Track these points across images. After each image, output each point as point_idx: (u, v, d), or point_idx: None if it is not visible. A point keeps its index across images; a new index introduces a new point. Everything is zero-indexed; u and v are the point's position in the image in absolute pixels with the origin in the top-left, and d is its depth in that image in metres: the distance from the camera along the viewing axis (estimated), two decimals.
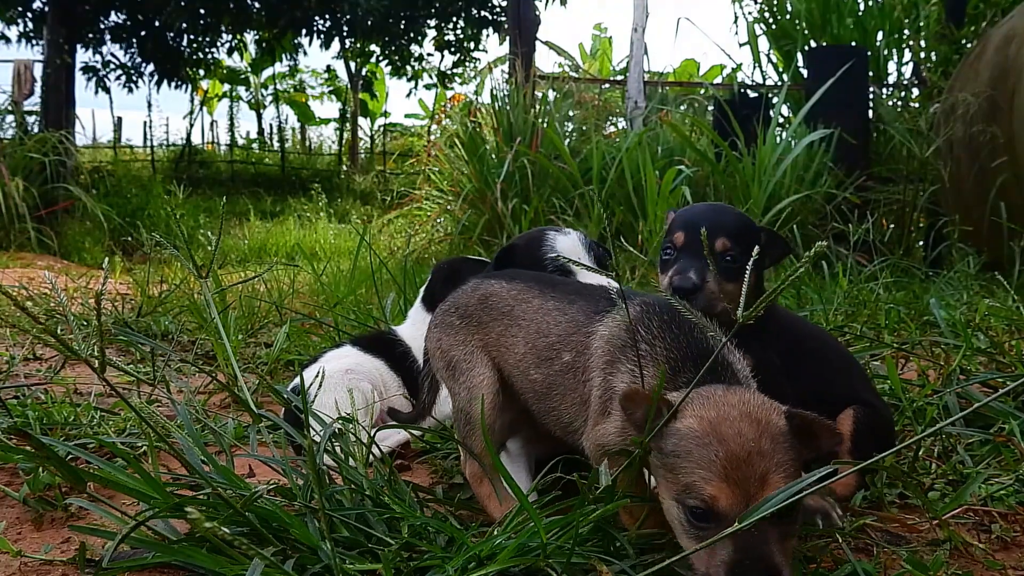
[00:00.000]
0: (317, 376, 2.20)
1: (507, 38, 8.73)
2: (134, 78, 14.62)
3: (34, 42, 13.32)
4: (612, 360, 1.46)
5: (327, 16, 14.60)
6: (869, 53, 7.37)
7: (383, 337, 2.65)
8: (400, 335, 2.61)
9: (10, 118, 10.67)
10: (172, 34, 14.21)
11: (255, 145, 20.26)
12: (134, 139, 21.30)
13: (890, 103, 7.65)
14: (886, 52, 7.91)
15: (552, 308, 1.64)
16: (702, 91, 8.39)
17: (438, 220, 7.56)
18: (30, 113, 11.40)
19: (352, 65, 19.22)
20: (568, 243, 2.24)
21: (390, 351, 2.53)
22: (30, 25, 13.23)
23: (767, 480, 1.20)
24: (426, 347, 1.85)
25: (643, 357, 1.41)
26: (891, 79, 8.08)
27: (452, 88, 16.82)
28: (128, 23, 13.99)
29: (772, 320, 1.82)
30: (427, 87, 18.21)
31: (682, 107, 8.17)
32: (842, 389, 1.89)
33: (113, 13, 13.86)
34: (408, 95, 43.45)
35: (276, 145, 19.88)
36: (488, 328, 1.71)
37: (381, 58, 16.75)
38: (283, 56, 16.91)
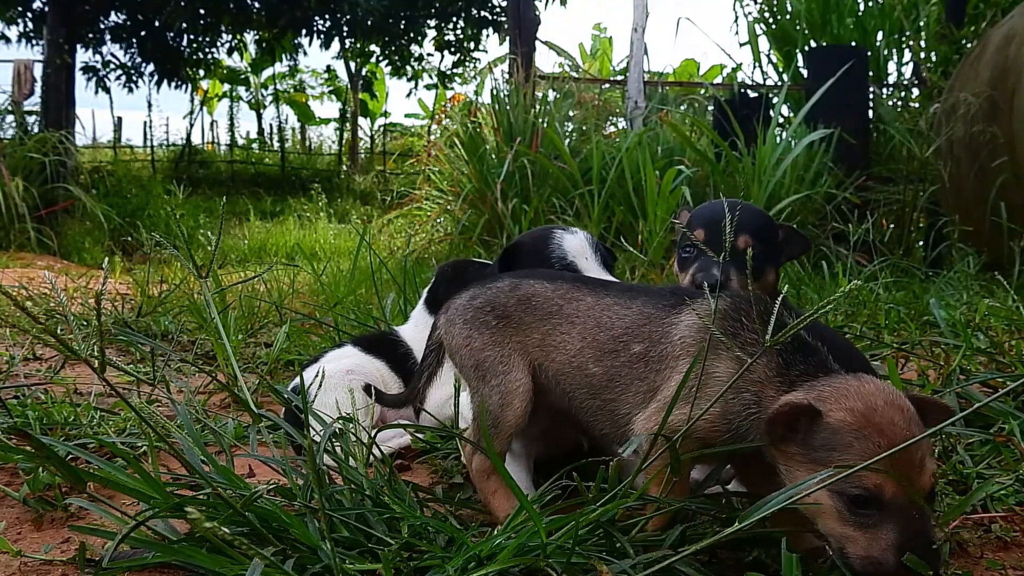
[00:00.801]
0: (317, 376, 2.20)
1: (507, 38, 8.74)
2: (134, 78, 14.62)
3: (34, 42, 13.32)
4: (709, 347, 1.48)
5: (327, 16, 14.60)
6: (869, 53, 7.38)
7: (385, 337, 2.65)
8: (402, 336, 2.60)
9: (10, 118, 10.67)
10: (172, 34, 14.21)
11: (255, 145, 20.26)
12: (134, 139, 21.28)
13: (890, 103, 7.65)
14: (886, 52, 7.92)
15: (612, 303, 1.65)
16: (702, 91, 8.39)
17: (438, 220, 7.56)
18: (30, 113, 11.40)
19: (352, 65, 19.23)
20: (576, 242, 2.23)
21: (392, 352, 2.53)
22: (30, 25, 13.23)
23: (924, 465, 1.29)
24: (449, 343, 1.77)
25: (752, 345, 1.44)
26: (891, 79, 8.08)
27: (452, 88, 16.84)
28: (128, 23, 13.99)
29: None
30: (427, 87, 18.21)
31: (682, 107, 8.17)
32: None
33: (113, 13, 13.86)
34: (408, 95, 43.44)
35: (276, 145, 19.88)
36: (530, 329, 1.68)
37: (381, 58, 16.75)
38: (283, 56, 16.90)
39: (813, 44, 8.09)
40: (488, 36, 15.88)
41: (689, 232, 1.94)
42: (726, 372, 1.45)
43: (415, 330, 2.58)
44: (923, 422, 1.33)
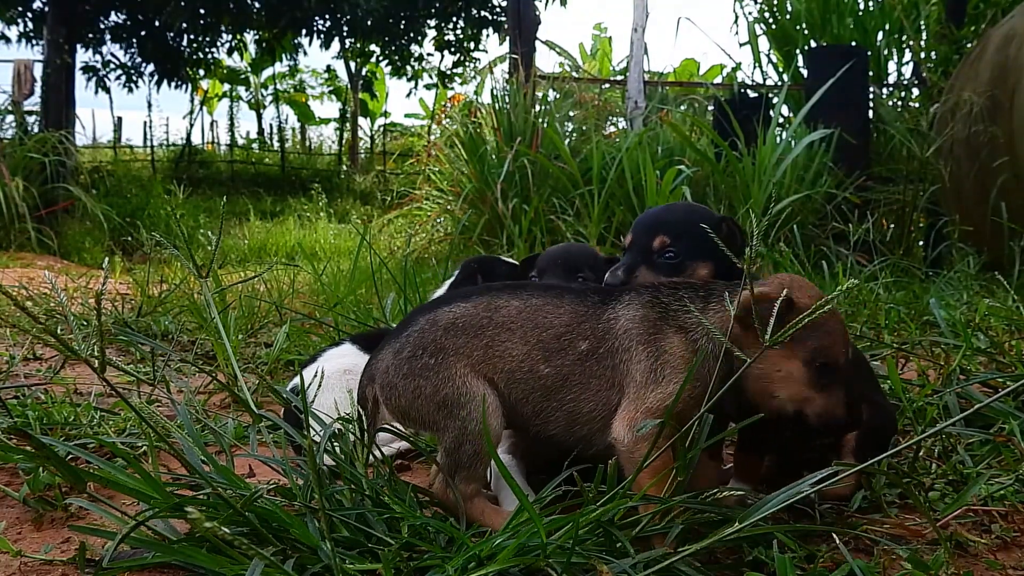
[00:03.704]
0: (316, 376, 2.20)
1: (507, 38, 8.73)
2: (134, 78, 14.62)
3: (34, 42, 13.32)
4: (656, 330, 1.61)
5: (327, 16, 14.61)
6: (869, 53, 7.38)
7: (383, 335, 2.62)
8: None
9: (10, 118, 10.68)
10: (172, 34, 14.21)
11: (255, 145, 20.28)
12: (134, 139, 21.37)
13: (890, 103, 7.65)
14: (886, 52, 7.93)
15: (541, 304, 1.68)
16: (702, 91, 8.40)
17: (438, 220, 7.56)
18: (30, 113, 11.40)
19: (352, 65, 19.24)
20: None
21: None
22: (30, 25, 13.23)
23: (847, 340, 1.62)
24: (397, 404, 1.70)
25: (684, 314, 1.62)
26: (891, 79, 8.08)
27: (452, 88, 16.84)
28: (128, 23, 13.99)
29: None
30: (427, 87, 18.23)
31: (682, 107, 8.17)
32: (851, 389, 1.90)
33: (113, 13, 13.86)
34: (408, 95, 43.49)
35: (276, 145, 19.90)
36: (468, 349, 1.67)
37: (381, 58, 16.76)
38: (283, 56, 16.91)
39: (813, 44, 8.09)
40: (488, 36, 15.90)
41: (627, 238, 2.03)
42: (679, 343, 1.59)
43: None
44: None
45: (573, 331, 1.64)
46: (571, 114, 7.68)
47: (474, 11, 15.20)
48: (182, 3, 12.85)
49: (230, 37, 15.34)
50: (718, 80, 10.95)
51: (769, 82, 8.34)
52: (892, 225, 6.70)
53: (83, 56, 13.92)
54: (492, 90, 7.32)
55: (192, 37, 14.61)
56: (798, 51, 8.02)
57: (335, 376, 2.33)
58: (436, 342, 1.68)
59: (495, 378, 1.67)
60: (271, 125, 20.69)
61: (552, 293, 1.71)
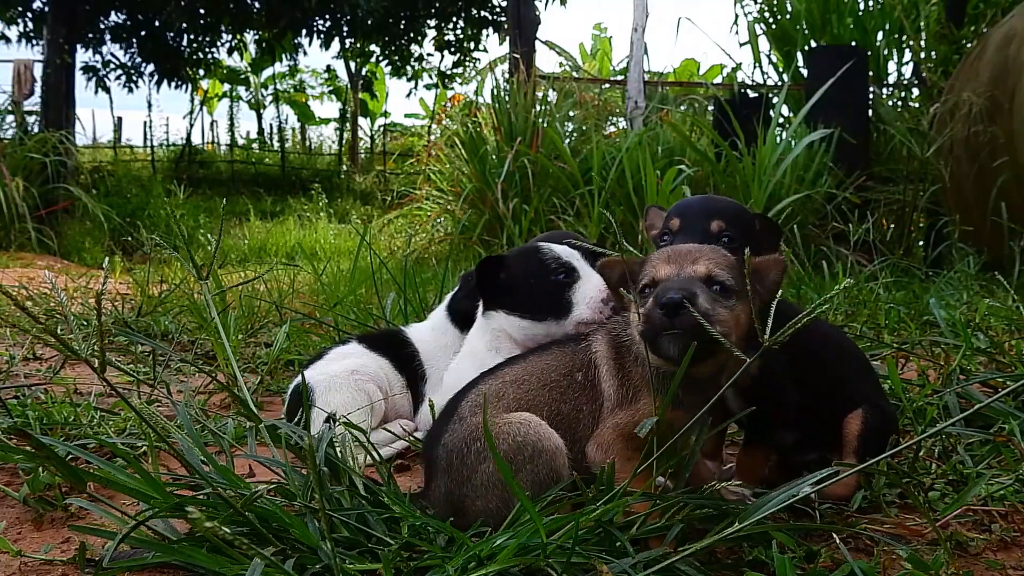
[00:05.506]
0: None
1: (507, 38, 8.74)
2: (134, 78, 14.62)
3: (34, 42, 13.32)
4: (619, 355, 1.69)
5: (327, 16, 14.60)
6: (869, 53, 7.38)
7: (392, 336, 2.62)
8: (411, 336, 2.57)
9: (10, 118, 10.69)
10: (172, 34, 14.21)
11: (255, 145, 20.30)
12: (134, 139, 21.37)
13: (890, 103, 7.65)
14: (886, 52, 7.92)
15: (536, 357, 1.78)
16: (702, 91, 8.40)
17: (438, 220, 7.56)
18: (30, 113, 11.40)
19: (352, 65, 19.25)
20: (564, 251, 2.20)
21: (397, 351, 2.51)
22: (30, 25, 13.22)
23: (697, 260, 1.59)
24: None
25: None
26: (891, 79, 8.08)
27: (452, 88, 16.85)
28: (128, 23, 13.99)
29: (785, 320, 1.82)
30: (427, 87, 18.23)
31: (682, 107, 8.17)
32: (853, 390, 1.89)
33: (113, 13, 13.86)
34: (408, 95, 43.52)
35: (276, 145, 19.91)
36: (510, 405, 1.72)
37: (381, 58, 16.76)
38: (283, 56, 16.91)
39: (813, 44, 8.09)
40: (488, 36, 15.90)
41: (666, 224, 1.97)
42: (635, 370, 1.66)
43: (432, 333, 2.54)
44: (760, 280, 1.61)
45: (569, 365, 1.74)
46: (571, 114, 7.68)
47: (474, 11, 15.20)
48: (182, 3, 12.85)
49: (230, 37, 15.33)
50: (718, 80, 10.95)
51: (769, 82, 8.34)
52: (892, 225, 6.70)
53: (83, 56, 13.94)
54: (492, 90, 7.32)
55: (192, 37, 14.61)
56: (798, 51, 8.01)
57: (342, 376, 2.32)
58: (500, 393, 1.73)
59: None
60: (271, 125, 20.75)
61: (539, 348, 1.84)
